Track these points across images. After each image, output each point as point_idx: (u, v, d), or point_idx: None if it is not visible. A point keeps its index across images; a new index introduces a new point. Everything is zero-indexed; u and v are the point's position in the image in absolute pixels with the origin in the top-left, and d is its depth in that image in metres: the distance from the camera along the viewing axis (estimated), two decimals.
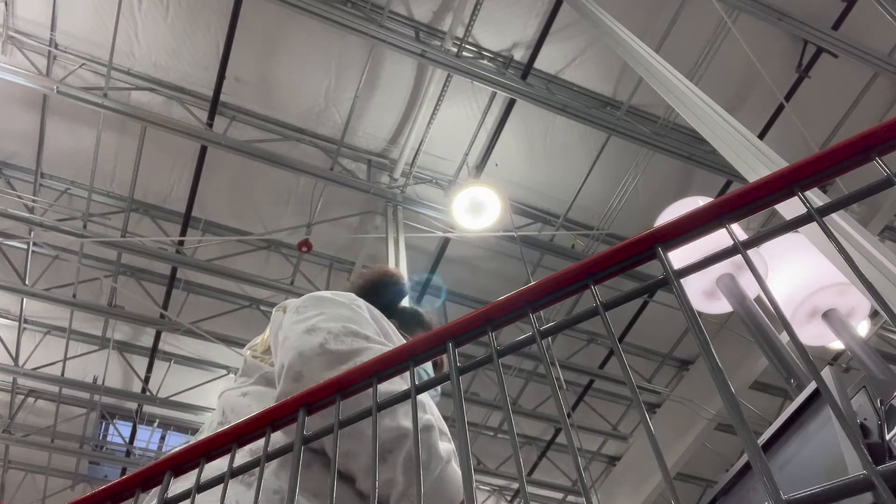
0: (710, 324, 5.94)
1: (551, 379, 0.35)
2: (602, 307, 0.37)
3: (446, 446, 0.91)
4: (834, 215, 1.87)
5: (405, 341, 1.02)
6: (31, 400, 6.75)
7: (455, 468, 0.90)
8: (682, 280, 0.36)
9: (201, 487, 0.42)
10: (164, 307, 6.08)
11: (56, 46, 4.94)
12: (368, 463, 0.85)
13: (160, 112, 5.15)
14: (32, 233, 5.66)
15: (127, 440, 7.13)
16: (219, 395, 1.07)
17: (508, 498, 7.73)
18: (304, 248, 5.59)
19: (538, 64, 5.26)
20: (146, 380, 6.57)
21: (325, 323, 0.93)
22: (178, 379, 6.61)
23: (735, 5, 4.80)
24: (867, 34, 5.07)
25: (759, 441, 1.32)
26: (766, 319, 1.67)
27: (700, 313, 2.32)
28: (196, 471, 0.44)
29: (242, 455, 0.74)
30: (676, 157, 5.51)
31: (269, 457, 0.42)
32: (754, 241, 0.36)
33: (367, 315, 1.03)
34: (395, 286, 1.39)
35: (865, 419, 1.11)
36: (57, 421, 6.65)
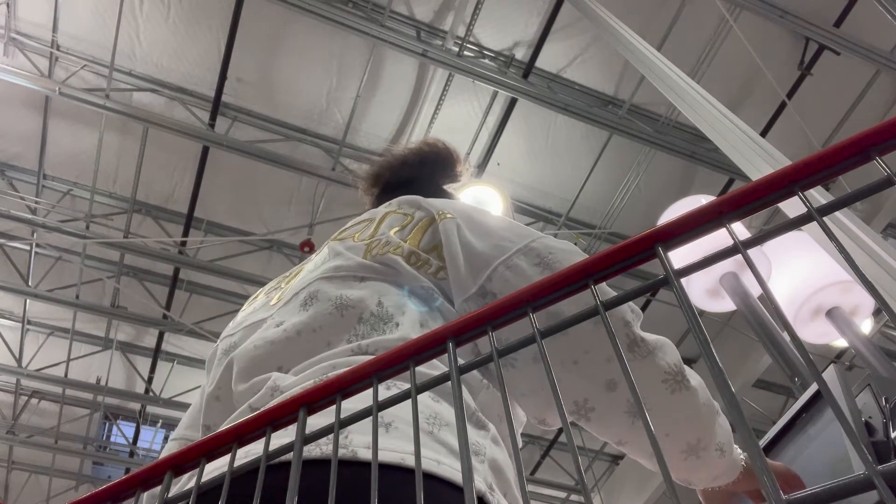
0: (713, 322, 5.93)
1: (551, 379, 0.35)
2: (602, 307, 0.37)
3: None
4: (837, 213, 1.86)
5: None
6: (34, 401, 6.77)
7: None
8: (683, 279, 0.36)
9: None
10: (167, 308, 6.09)
11: (58, 48, 4.95)
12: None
13: (162, 113, 5.16)
14: (35, 234, 5.68)
15: (130, 441, 7.15)
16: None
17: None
18: (307, 249, 5.60)
19: (539, 63, 5.26)
20: (149, 380, 6.59)
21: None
22: (181, 379, 6.62)
23: (737, 3, 4.79)
24: (869, 31, 5.06)
25: (763, 440, 1.32)
26: (770, 318, 1.67)
27: (703, 312, 2.32)
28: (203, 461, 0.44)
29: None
30: (678, 156, 5.50)
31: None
32: (755, 241, 0.36)
33: None
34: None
35: (870, 417, 1.11)
36: (60, 422, 6.66)
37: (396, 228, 0.90)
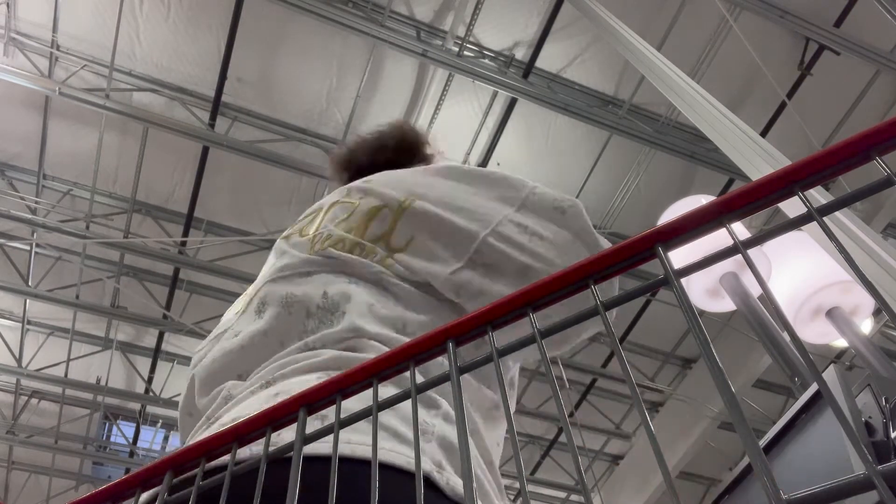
0: (713, 322, 5.93)
1: (551, 379, 0.35)
2: (602, 307, 0.37)
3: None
4: (837, 213, 1.86)
5: None
6: (34, 401, 6.77)
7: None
8: (684, 279, 0.36)
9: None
10: (167, 308, 6.09)
11: (58, 48, 4.95)
12: None
13: (162, 113, 5.16)
14: (35, 234, 5.68)
15: (130, 441, 7.15)
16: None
17: (511, 497, 7.74)
18: None
19: (539, 63, 5.26)
20: (149, 380, 6.59)
21: None
22: (181, 379, 6.62)
23: (737, 3, 4.79)
24: (869, 31, 5.06)
25: (762, 440, 1.32)
26: (770, 318, 1.67)
27: (703, 312, 2.32)
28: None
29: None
30: (678, 156, 5.51)
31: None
32: (755, 241, 0.36)
33: None
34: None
35: (870, 417, 1.11)
36: (60, 422, 6.66)
37: (341, 219, 0.88)
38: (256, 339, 0.78)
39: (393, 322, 0.75)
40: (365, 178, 0.97)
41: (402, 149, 1.16)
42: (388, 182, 0.93)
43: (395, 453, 0.58)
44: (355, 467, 0.56)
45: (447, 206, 0.85)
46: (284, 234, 0.95)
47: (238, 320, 0.85)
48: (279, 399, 0.64)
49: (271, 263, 0.89)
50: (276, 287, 0.82)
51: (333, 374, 0.66)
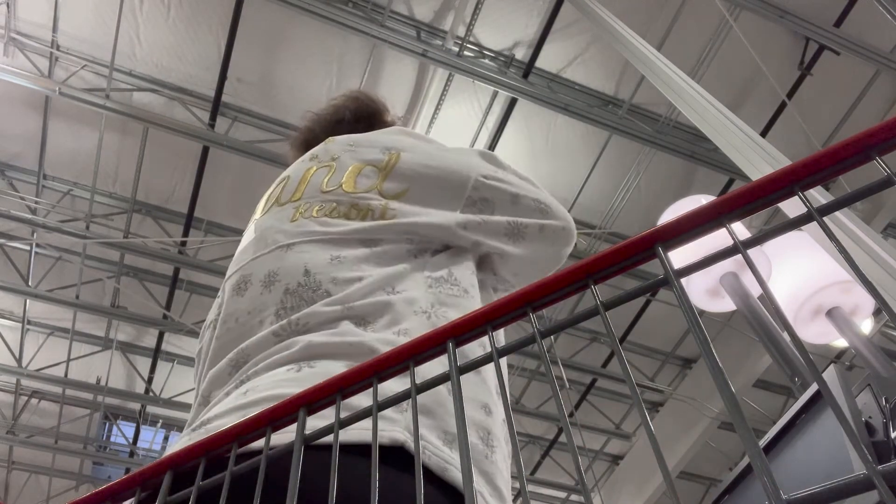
0: (713, 322, 5.93)
1: (551, 378, 0.35)
2: (602, 307, 0.37)
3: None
4: (837, 213, 1.86)
5: None
6: (34, 401, 6.77)
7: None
8: (684, 279, 0.36)
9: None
10: (167, 308, 6.09)
11: (58, 48, 4.95)
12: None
13: (162, 113, 5.16)
14: (35, 234, 5.68)
15: (130, 441, 7.15)
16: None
17: (511, 497, 7.72)
18: None
19: (539, 63, 5.26)
20: (149, 380, 6.59)
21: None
22: (181, 379, 6.62)
23: (737, 3, 4.79)
24: (869, 31, 5.06)
25: (763, 440, 1.32)
26: (770, 318, 1.67)
27: (703, 312, 2.32)
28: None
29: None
30: (678, 156, 5.50)
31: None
32: (755, 241, 0.36)
33: None
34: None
35: (870, 417, 1.11)
36: (60, 422, 6.66)
37: (326, 178, 0.88)
38: (241, 318, 0.77)
39: (382, 286, 0.75)
40: (327, 140, 0.98)
41: (361, 118, 1.17)
42: (359, 142, 0.94)
43: (361, 429, 0.55)
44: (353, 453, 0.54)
45: (432, 157, 0.89)
46: (259, 212, 0.94)
47: (227, 302, 0.83)
48: (248, 397, 0.64)
49: (250, 240, 0.87)
50: (255, 266, 0.81)
51: (304, 364, 0.66)
